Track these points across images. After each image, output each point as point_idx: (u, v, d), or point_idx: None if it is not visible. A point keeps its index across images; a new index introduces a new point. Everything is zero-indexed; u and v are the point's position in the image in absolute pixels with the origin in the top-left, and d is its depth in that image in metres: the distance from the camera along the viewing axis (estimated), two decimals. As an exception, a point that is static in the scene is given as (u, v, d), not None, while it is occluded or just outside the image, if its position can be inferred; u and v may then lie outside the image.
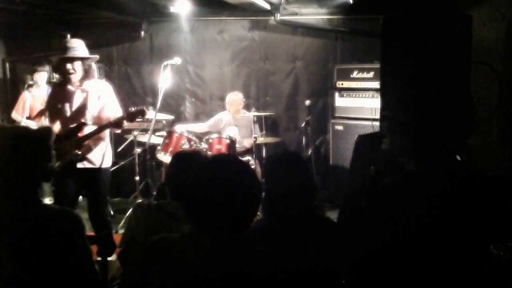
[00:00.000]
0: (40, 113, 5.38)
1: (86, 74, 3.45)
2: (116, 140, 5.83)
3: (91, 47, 6.39)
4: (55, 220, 1.81)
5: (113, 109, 3.59)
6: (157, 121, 5.03)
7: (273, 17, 5.84)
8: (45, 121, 5.16)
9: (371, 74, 5.15)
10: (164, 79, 4.69)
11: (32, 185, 1.86)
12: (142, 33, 6.21)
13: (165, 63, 4.71)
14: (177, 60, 4.79)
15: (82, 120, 3.40)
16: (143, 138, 4.93)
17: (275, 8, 5.67)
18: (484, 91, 3.65)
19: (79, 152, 3.37)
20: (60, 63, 3.39)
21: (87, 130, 3.42)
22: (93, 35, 6.44)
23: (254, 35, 6.19)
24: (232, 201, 1.38)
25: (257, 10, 5.73)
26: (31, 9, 5.48)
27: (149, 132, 4.67)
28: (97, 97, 3.49)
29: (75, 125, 3.37)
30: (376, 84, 4.59)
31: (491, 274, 2.10)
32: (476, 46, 1.77)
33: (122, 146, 5.22)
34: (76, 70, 3.38)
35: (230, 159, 1.55)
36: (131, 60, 6.42)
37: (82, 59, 3.43)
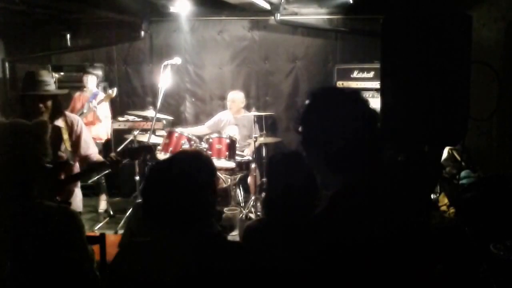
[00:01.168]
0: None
1: (56, 110, 2.89)
2: (116, 140, 5.83)
3: (91, 47, 6.50)
4: (51, 217, 1.81)
5: (90, 145, 3.07)
6: (157, 121, 5.03)
7: (273, 17, 5.84)
8: None
9: (371, 74, 5.16)
10: (164, 79, 4.69)
11: (29, 180, 1.85)
12: (142, 33, 6.21)
13: (165, 63, 4.72)
14: (177, 60, 4.80)
15: (64, 159, 2.88)
16: (143, 138, 4.93)
17: (275, 8, 5.68)
18: (484, 91, 3.65)
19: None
20: (29, 101, 2.81)
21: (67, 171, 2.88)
22: (93, 35, 6.47)
23: (254, 35, 6.19)
24: (183, 197, 1.47)
25: (257, 10, 5.73)
26: (31, 9, 5.48)
27: (149, 132, 4.68)
28: (70, 133, 2.96)
29: (55, 164, 2.70)
30: (376, 84, 4.61)
31: (491, 273, 2.10)
32: (476, 46, 1.77)
33: (122, 146, 5.22)
34: (48, 107, 2.83)
35: (177, 158, 1.63)
36: (131, 60, 6.43)
37: (56, 95, 2.90)
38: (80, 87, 5.67)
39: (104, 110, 5.47)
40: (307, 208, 2.03)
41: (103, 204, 5.52)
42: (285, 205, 1.98)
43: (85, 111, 5.34)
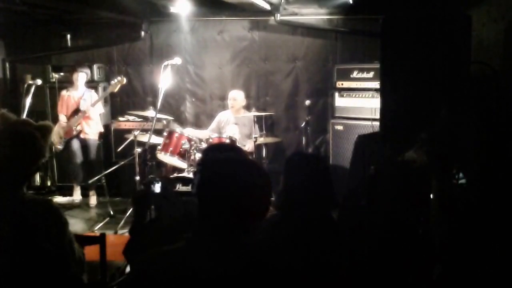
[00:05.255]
0: (74, 113, 5.54)
1: None
2: (116, 140, 5.84)
3: (91, 47, 6.49)
4: (32, 209, 1.83)
5: None
6: (157, 121, 5.03)
7: (273, 17, 5.84)
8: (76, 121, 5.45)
9: (371, 74, 5.15)
10: (164, 79, 4.69)
11: (19, 180, 1.89)
12: (142, 33, 6.21)
13: (165, 63, 4.72)
14: (177, 60, 4.80)
15: None
16: (143, 138, 4.93)
17: (275, 8, 5.67)
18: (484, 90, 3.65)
19: None
20: None
21: None
22: (93, 35, 6.46)
23: (254, 35, 6.19)
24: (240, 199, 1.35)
25: (257, 10, 5.73)
26: (31, 9, 5.48)
27: (149, 132, 4.68)
28: None
29: None
30: (376, 84, 4.60)
31: (491, 273, 2.10)
32: (476, 46, 1.78)
33: (122, 146, 5.22)
34: None
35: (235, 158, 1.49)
36: (131, 60, 6.43)
37: None
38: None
39: (98, 107, 5.67)
40: (322, 211, 2.04)
41: (93, 199, 5.68)
42: (300, 205, 2.00)
43: (82, 109, 5.48)
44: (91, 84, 5.95)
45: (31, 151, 1.89)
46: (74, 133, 5.51)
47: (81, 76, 5.61)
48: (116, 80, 5.41)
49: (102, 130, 5.80)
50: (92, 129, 5.62)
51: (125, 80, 5.45)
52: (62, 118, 5.62)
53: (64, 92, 5.67)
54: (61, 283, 1.84)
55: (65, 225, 1.92)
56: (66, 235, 1.91)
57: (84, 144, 5.59)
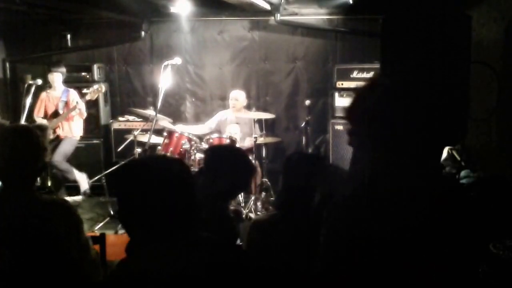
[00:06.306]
0: (53, 115, 5.34)
1: None
2: (116, 140, 5.84)
3: (91, 47, 6.50)
4: (47, 210, 1.84)
5: None
6: (157, 121, 5.03)
7: (273, 17, 5.84)
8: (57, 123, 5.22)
9: (371, 74, 5.15)
10: (165, 79, 4.70)
11: (28, 178, 1.91)
12: (143, 33, 6.21)
13: (166, 63, 4.72)
14: (177, 60, 4.80)
15: None
16: (143, 138, 4.93)
17: (275, 8, 5.68)
18: (484, 91, 3.66)
19: None
20: None
21: None
22: (93, 35, 6.47)
23: (254, 35, 6.19)
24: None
25: (257, 10, 5.73)
26: (31, 9, 5.48)
27: (149, 132, 4.69)
28: None
29: None
30: (376, 84, 4.60)
31: (491, 273, 2.10)
32: (475, 46, 1.78)
33: (122, 146, 5.22)
34: None
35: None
36: (131, 60, 6.43)
37: None
38: (81, 86, 5.67)
39: (82, 107, 5.32)
40: (322, 209, 2.05)
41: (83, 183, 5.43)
42: (300, 205, 2.00)
43: (61, 111, 5.28)
44: (91, 84, 5.95)
45: (34, 146, 1.92)
46: (51, 136, 5.16)
47: (56, 76, 5.37)
48: (94, 88, 5.20)
49: (81, 134, 5.52)
50: (73, 129, 5.36)
51: (104, 89, 5.28)
52: (39, 121, 5.32)
53: (43, 94, 5.45)
54: (76, 285, 1.85)
55: (82, 225, 1.94)
56: (84, 235, 1.93)
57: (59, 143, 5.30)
